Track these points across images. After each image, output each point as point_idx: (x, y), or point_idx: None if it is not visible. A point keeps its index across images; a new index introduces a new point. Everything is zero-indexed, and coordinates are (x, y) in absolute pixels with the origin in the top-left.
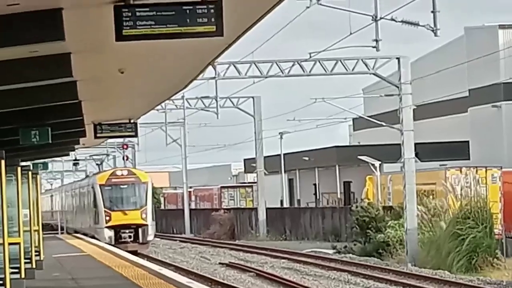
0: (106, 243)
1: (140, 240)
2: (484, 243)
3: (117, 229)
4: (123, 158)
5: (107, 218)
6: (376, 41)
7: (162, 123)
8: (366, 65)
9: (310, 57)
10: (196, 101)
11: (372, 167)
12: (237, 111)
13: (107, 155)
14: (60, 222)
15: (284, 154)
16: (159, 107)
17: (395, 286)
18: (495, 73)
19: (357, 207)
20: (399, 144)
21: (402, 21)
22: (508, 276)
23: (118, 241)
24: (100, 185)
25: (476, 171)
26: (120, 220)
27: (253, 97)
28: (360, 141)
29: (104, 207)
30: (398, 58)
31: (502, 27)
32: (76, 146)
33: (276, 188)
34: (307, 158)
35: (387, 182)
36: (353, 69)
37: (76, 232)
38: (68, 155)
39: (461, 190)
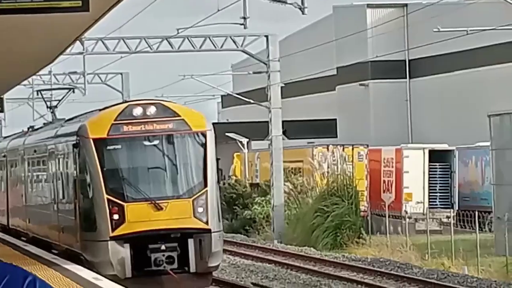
0: (109, 274)
1: (193, 267)
2: (349, 220)
3: (139, 242)
4: None
5: (115, 217)
6: (244, 18)
7: (29, 98)
8: (234, 42)
9: (178, 33)
10: (64, 76)
11: (240, 144)
12: (105, 87)
13: None
14: None
15: None
16: (26, 82)
17: (261, 263)
18: (363, 51)
19: (224, 183)
20: (267, 122)
21: None
22: (372, 253)
23: (141, 268)
24: (96, 140)
25: (343, 149)
26: (145, 223)
27: (121, 73)
28: (229, 118)
29: (108, 193)
30: (266, 36)
31: (370, 6)
32: None
33: None
34: None
35: (254, 159)
36: (221, 46)
37: (33, 239)
38: None
39: (327, 167)
